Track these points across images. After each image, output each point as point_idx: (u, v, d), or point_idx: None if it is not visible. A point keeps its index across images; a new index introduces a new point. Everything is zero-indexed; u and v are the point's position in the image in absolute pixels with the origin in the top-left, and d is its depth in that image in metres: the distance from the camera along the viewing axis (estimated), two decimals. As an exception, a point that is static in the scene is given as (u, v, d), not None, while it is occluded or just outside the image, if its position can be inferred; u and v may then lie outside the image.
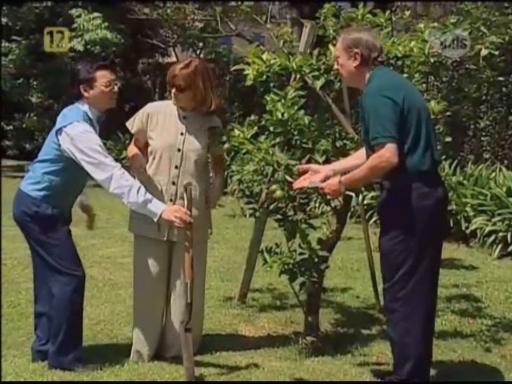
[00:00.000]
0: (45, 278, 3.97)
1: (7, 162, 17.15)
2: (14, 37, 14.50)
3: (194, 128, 4.10)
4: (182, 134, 4.08)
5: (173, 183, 4.04)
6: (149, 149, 4.10)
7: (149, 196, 3.82)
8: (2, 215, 9.30)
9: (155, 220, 3.84)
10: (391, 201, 3.52)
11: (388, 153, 3.35)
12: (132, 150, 4.16)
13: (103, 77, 3.91)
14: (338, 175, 3.66)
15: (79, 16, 13.92)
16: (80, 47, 13.58)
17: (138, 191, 3.79)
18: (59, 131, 3.86)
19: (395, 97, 3.43)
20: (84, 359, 3.97)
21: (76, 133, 3.81)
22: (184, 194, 3.91)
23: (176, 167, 4.03)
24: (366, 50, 3.57)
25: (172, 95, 4.07)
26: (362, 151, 3.77)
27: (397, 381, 3.59)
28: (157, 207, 3.81)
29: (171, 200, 4.01)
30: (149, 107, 4.16)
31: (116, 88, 3.96)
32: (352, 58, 3.58)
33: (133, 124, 4.12)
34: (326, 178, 3.74)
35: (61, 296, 3.87)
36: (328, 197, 3.72)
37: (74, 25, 13.74)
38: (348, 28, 3.93)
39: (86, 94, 3.91)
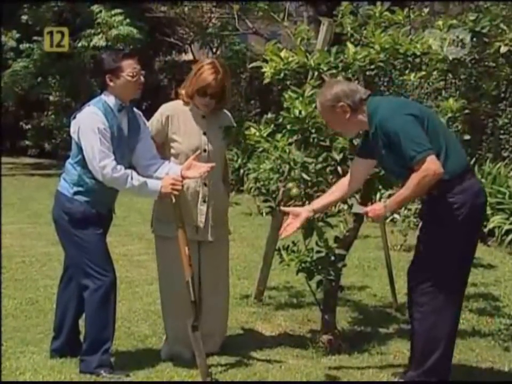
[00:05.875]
0: (71, 282, 4.00)
1: (25, 160, 17.29)
2: (35, 37, 14.55)
3: (213, 127, 4.13)
4: (204, 133, 4.10)
5: (205, 184, 4.06)
6: (173, 151, 4.11)
7: (141, 178, 3.81)
8: (19, 213, 9.41)
9: (156, 197, 3.89)
10: (434, 207, 3.53)
11: (433, 165, 3.34)
12: None
13: (129, 66, 3.83)
14: (383, 200, 3.63)
15: (100, 12, 13.96)
16: (102, 43, 13.59)
17: (132, 177, 3.77)
18: (73, 117, 3.86)
19: (413, 112, 3.46)
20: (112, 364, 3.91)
21: (81, 115, 3.81)
22: (173, 197, 3.88)
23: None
24: (349, 98, 3.55)
25: (204, 103, 4.04)
26: (342, 183, 3.77)
27: (418, 380, 3.58)
28: (155, 186, 3.82)
29: (204, 201, 4.06)
30: (167, 109, 4.14)
31: (142, 79, 3.88)
32: (342, 113, 3.56)
33: (151, 128, 4.11)
34: (307, 219, 3.74)
35: (90, 302, 3.84)
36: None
37: (97, 21, 13.75)
38: (317, 92, 3.87)
39: (111, 84, 3.83)
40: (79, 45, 14.22)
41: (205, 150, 4.08)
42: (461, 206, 3.46)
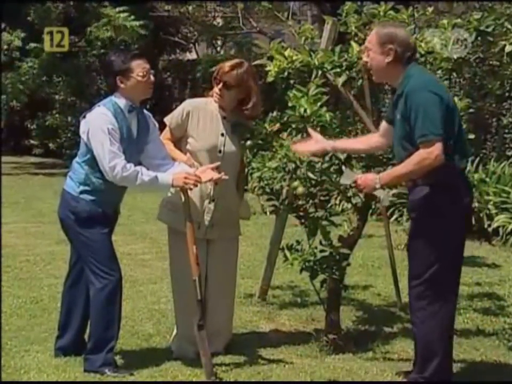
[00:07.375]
0: (77, 281, 4.01)
1: (29, 159, 17.30)
2: (43, 36, 14.52)
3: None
4: (222, 135, 4.10)
5: (216, 183, 4.06)
6: (188, 147, 4.11)
7: (151, 172, 3.81)
8: (23, 212, 9.42)
9: (170, 192, 3.96)
10: (432, 198, 3.48)
11: (437, 151, 3.34)
12: (175, 150, 4.12)
13: (138, 67, 3.83)
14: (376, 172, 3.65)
15: (103, 8, 13.97)
16: (106, 34, 13.58)
17: (142, 173, 3.78)
18: (83, 117, 3.87)
19: (442, 94, 3.43)
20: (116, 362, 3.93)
21: (91, 115, 3.82)
22: (182, 195, 3.89)
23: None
24: (401, 47, 3.51)
25: (217, 90, 4.06)
26: (367, 138, 3.85)
27: (422, 381, 3.58)
28: (166, 179, 3.82)
29: (213, 200, 4.07)
30: (189, 105, 4.15)
31: (152, 78, 3.89)
32: (385, 54, 3.52)
33: (171, 121, 4.13)
34: (322, 150, 3.85)
35: (95, 300, 3.85)
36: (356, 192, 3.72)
37: (99, 10, 13.70)
38: (384, 22, 3.90)
39: (122, 86, 3.83)
40: (83, 40, 14.21)
41: (220, 151, 4.08)
42: (452, 201, 3.44)
